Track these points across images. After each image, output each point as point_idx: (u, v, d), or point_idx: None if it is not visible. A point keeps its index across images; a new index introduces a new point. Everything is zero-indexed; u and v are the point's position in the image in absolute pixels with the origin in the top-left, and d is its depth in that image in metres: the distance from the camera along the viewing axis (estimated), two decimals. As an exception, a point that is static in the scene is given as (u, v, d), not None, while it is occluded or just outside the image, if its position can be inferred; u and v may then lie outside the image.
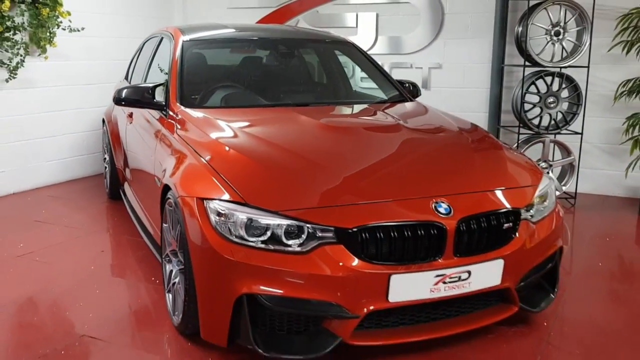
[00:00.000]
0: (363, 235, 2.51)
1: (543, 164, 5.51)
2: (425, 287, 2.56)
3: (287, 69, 4.40)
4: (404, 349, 2.79)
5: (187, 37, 4.14)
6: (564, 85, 5.39)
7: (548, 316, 3.20)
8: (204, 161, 2.90)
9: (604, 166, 5.79)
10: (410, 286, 2.55)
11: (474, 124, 3.76)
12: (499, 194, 2.85)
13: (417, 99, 4.36)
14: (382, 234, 2.52)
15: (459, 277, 2.60)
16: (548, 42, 5.36)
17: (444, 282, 2.58)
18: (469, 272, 2.62)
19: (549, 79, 5.39)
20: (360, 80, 4.96)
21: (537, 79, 5.41)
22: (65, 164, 6.26)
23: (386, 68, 6.54)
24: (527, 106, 5.50)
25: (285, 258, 2.49)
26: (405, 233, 2.53)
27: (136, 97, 3.72)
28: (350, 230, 2.50)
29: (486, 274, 2.69)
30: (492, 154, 3.26)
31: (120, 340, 2.93)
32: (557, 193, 5.52)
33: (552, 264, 3.05)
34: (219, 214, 2.58)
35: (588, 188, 5.83)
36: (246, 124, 3.43)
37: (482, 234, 2.67)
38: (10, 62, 5.40)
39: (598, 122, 5.70)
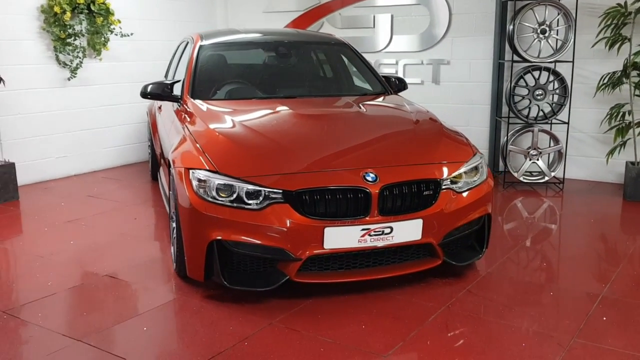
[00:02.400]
0: (304, 196, 3.25)
1: (533, 151, 6.02)
2: (354, 237, 3.28)
3: (285, 67, 5.16)
4: (344, 290, 3.50)
5: (204, 42, 4.98)
6: (551, 79, 5.88)
7: (480, 273, 3.83)
8: (197, 143, 3.70)
9: (593, 154, 6.22)
10: (341, 236, 3.27)
11: (431, 113, 4.35)
12: (423, 167, 3.52)
13: (402, 92, 5.03)
14: (318, 196, 3.25)
15: (382, 231, 3.30)
16: (535, 40, 5.87)
17: (370, 235, 3.28)
18: (391, 228, 3.31)
19: (536, 73, 5.90)
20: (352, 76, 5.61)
21: (525, 74, 5.93)
22: (118, 151, 7.29)
23: (400, 64, 7.20)
24: (517, 98, 6.02)
25: (245, 213, 3.27)
26: (337, 195, 3.26)
27: (158, 92, 4.59)
28: (293, 193, 3.24)
29: (407, 230, 3.37)
30: (430, 136, 3.90)
31: (131, 279, 3.80)
32: (546, 178, 6.04)
33: (477, 226, 3.69)
34: (199, 180, 3.38)
35: (579, 174, 6.28)
36: (237, 112, 4.19)
37: (405, 198, 3.35)
38: (71, 63, 6.44)
39: (587, 113, 6.13)
